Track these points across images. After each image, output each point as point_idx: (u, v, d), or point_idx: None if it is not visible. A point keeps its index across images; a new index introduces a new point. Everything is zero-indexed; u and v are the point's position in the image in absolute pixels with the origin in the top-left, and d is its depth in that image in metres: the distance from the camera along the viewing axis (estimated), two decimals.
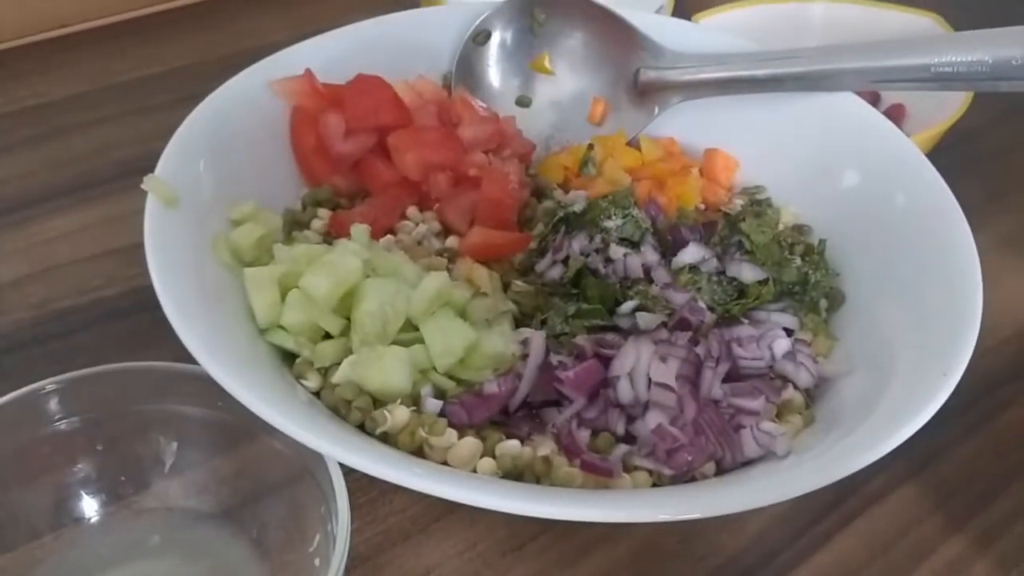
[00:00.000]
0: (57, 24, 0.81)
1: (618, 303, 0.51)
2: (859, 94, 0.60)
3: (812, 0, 0.76)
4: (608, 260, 0.53)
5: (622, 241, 0.53)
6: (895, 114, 0.72)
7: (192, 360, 0.42)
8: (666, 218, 0.57)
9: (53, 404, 0.43)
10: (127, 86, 0.76)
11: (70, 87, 0.76)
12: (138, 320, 0.57)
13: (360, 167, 0.58)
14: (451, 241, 0.56)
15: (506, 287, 0.53)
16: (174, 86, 0.76)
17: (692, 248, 0.53)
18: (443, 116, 0.59)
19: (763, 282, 0.52)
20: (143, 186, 0.48)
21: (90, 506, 0.45)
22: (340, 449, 0.39)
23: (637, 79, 0.62)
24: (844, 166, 0.58)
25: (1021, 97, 0.55)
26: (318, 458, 0.41)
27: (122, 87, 0.76)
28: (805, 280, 0.53)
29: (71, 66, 0.78)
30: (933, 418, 0.42)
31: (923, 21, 0.74)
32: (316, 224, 0.55)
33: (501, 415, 0.47)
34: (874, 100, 0.72)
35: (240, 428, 0.44)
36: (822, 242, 0.56)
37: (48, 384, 0.42)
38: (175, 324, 0.42)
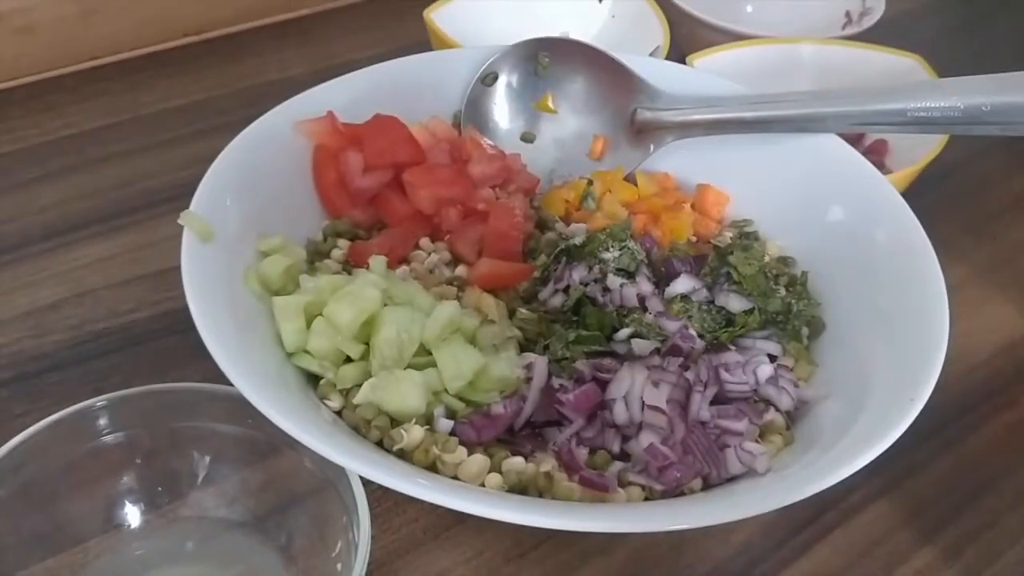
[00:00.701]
0: (89, 57, 0.84)
1: (615, 330, 0.53)
2: (843, 133, 0.62)
3: (800, 41, 0.78)
4: (606, 290, 0.55)
5: (619, 272, 0.55)
6: (878, 149, 0.74)
7: (223, 381, 0.45)
8: (660, 250, 0.59)
9: (102, 420, 0.46)
10: (154, 118, 0.79)
11: (100, 118, 0.79)
12: (168, 342, 0.60)
13: (377, 201, 0.60)
14: (460, 270, 0.58)
15: (512, 314, 0.55)
16: (198, 118, 0.79)
17: (684, 279, 0.55)
18: (454, 154, 0.62)
19: (749, 311, 0.55)
20: (180, 221, 0.51)
21: (130, 514, 0.48)
22: (362, 464, 0.41)
23: (634, 119, 0.65)
24: (827, 203, 0.60)
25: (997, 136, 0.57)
26: (340, 472, 0.44)
27: (149, 119, 0.79)
28: (788, 310, 0.55)
29: (101, 98, 0.81)
30: (908, 437, 0.45)
31: (906, 62, 0.76)
32: (336, 254, 0.58)
33: (507, 434, 0.49)
34: (859, 136, 0.76)
35: (268, 444, 0.47)
36: (804, 274, 0.58)
37: (98, 401, 0.46)
38: (211, 349, 0.45)
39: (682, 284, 0.55)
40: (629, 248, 0.57)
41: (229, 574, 0.48)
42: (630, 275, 0.56)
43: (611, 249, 0.57)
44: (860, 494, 0.55)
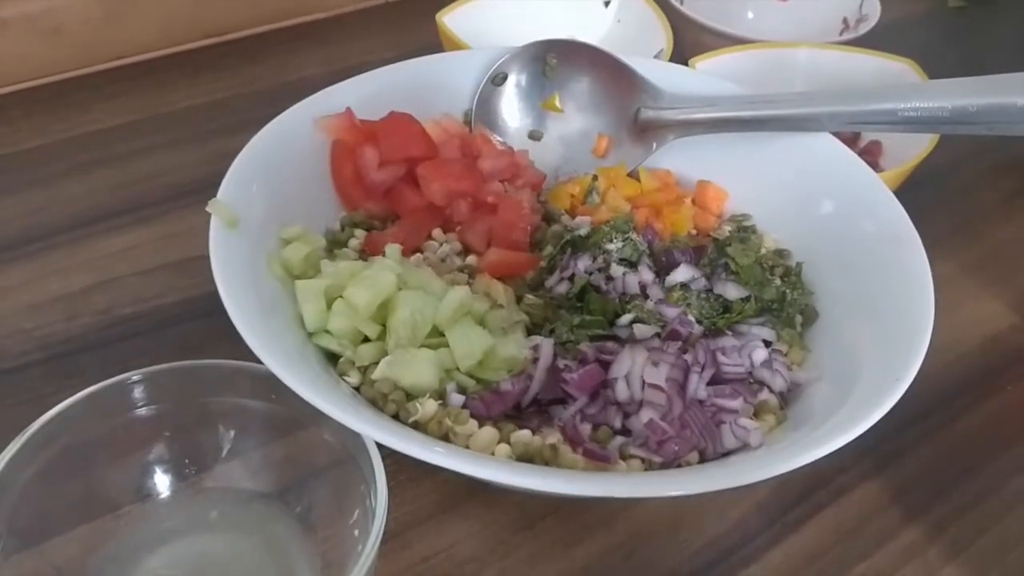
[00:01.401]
0: (114, 56, 0.87)
1: (617, 316, 0.55)
2: (839, 133, 0.64)
3: (799, 46, 0.81)
4: (609, 278, 0.57)
5: (621, 262, 0.58)
6: (873, 150, 0.76)
7: (247, 359, 0.47)
8: (661, 242, 0.61)
9: (135, 394, 0.48)
10: (176, 115, 0.82)
11: (125, 115, 0.81)
12: (191, 326, 0.63)
13: (391, 194, 0.63)
14: (470, 259, 0.61)
15: (519, 300, 0.57)
16: (218, 116, 0.82)
17: (683, 268, 0.58)
18: (465, 150, 0.65)
19: (746, 299, 0.57)
20: (208, 208, 0.53)
21: (159, 484, 0.50)
22: (381, 432, 0.44)
23: (637, 118, 0.67)
24: (820, 198, 0.62)
25: (987, 138, 0.59)
26: (359, 444, 0.46)
27: (171, 116, 0.82)
28: (783, 298, 0.57)
29: (126, 96, 0.83)
30: (897, 422, 0.47)
31: (898, 66, 0.79)
32: (353, 243, 0.60)
33: (514, 410, 0.52)
34: (854, 137, 0.78)
35: (291, 418, 0.49)
36: (799, 265, 0.60)
37: (132, 376, 0.48)
38: (239, 327, 0.47)
39: (682, 273, 0.58)
40: (632, 240, 0.59)
41: (251, 542, 0.50)
42: (632, 265, 0.58)
43: (614, 240, 0.59)
44: (850, 475, 0.57)
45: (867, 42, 0.83)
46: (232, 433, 0.51)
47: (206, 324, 0.62)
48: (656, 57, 0.77)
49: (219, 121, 0.81)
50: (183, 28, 0.89)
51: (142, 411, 0.49)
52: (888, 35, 0.87)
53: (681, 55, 0.80)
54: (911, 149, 0.71)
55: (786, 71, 0.80)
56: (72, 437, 0.47)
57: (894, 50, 0.81)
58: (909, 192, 0.63)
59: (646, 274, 0.57)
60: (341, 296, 0.53)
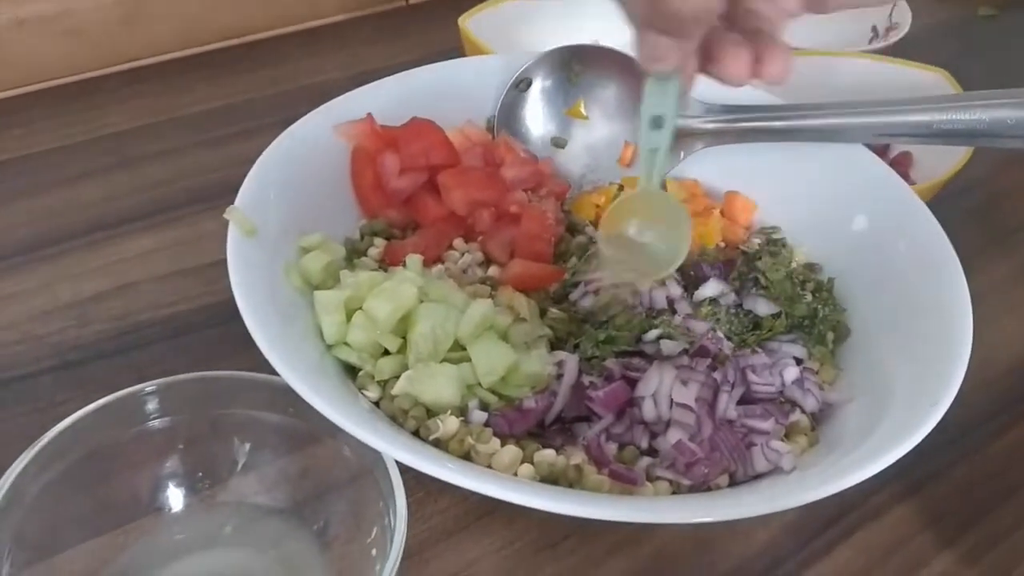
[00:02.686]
0: (131, 58, 0.86)
1: (644, 331, 0.54)
2: (868, 144, 0.63)
3: (825, 55, 0.79)
4: (635, 292, 0.56)
5: None
6: (903, 161, 0.75)
7: (263, 371, 0.46)
8: (689, 255, 0.60)
9: (149, 405, 0.47)
10: (192, 119, 0.81)
11: (141, 118, 0.80)
12: (207, 335, 0.61)
13: (412, 202, 0.62)
14: (492, 271, 0.60)
15: (543, 314, 0.56)
16: (234, 120, 0.81)
17: (712, 283, 0.57)
18: (488, 157, 0.64)
19: (776, 315, 0.56)
20: (225, 215, 0.53)
21: (171, 498, 0.48)
22: (402, 451, 0.43)
23: None
24: (853, 212, 0.61)
25: (1020, 150, 0.58)
26: (377, 459, 0.45)
27: (187, 120, 0.81)
28: (814, 315, 0.56)
29: (142, 98, 0.83)
30: (929, 444, 0.45)
31: (931, 77, 0.77)
32: (372, 252, 0.59)
33: (537, 428, 0.51)
34: (884, 148, 0.77)
35: (307, 432, 0.48)
36: (831, 280, 0.59)
37: (146, 387, 0.46)
38: (257, 338, 0.46)
39: (711, 288, 0.57)
40: None
41: (266, 559, 0.49)
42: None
43: None
44: (881, 497, 0.56)
45: (898, 51, 0.82)
46: (247, 446, 0.50)
47: (222, 332, 0.61)
48: None
49: (236, 125, 0.80)
50: (200, 30, 0.89)
51: (156, 423, 0.48)
52: (916, 44, 0.85)
53: None
54: (942, 161, 0.70)
55: (813, 80, 0.78)
56: (84, 449, 0.46)
57: (923, 59, 0.79)
58: (939, 204, 0.62)
59: (673, 288, 0.56)
60: (361, 308, 0.52)
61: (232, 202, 0.54)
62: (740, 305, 0.57)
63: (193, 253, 0.67)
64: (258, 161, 0.57)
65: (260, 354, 0.46)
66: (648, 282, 0.55)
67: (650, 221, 0.53)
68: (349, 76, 0.85)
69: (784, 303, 0.56)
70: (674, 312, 0.56)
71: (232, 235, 0.52)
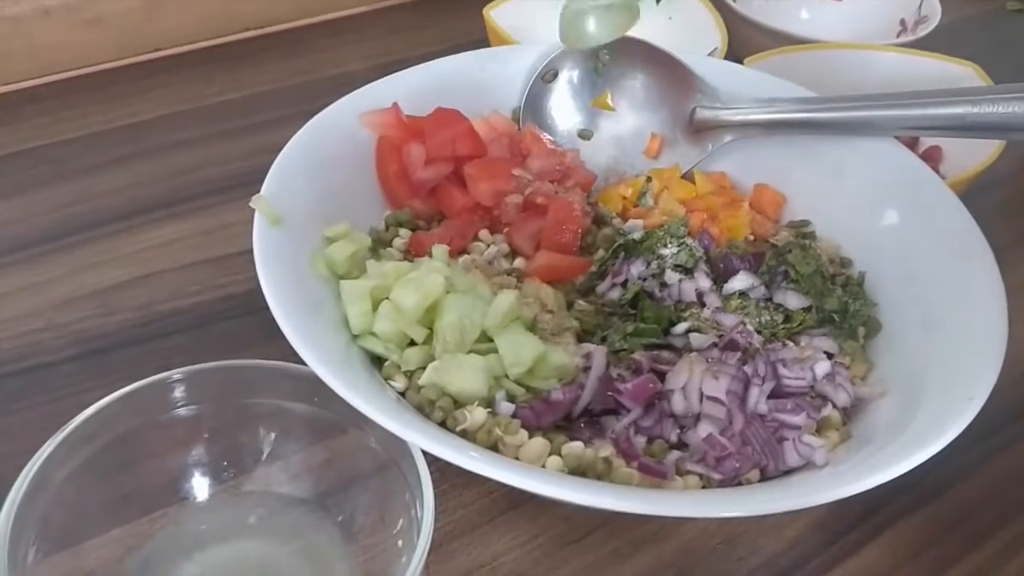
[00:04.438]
0: (153, 48, 0.86)
1: (672, 324, 0.54)
2: (898, 137, 0.62)
3: (855, 48, 0.79)
4: (664, 285, 0.56)
5: (677, 268, 0.56)
6: (932, 156, 0.74)
7: (289, 360, 0.46)
8: (718, 248, 0.60)
9: (175, 393, 0.47)
10: (214, 109, 0.81)
11: (163, 108, 0.80)
12: (231, 325, 0.62)
13: (437, 192, 0.61)
14: (518, 262, 0.59)
15: (569, 306, 0.56)
16: (256, 110, 0.81)
17: (742, 276, 0.56)
18: (514, 148, 0.63)
19: (807, 309, 0.55)
20: (251, 204, 0.52)
21: (196, 487, 0.49)
22: (431, 441, 0.42)
23: (692, 118, 0.65)
24: (884, 206, 0.60)
25: None
26: (404, 451, 0.44)
27: (209, 109, 0.81)
28: (845, 309, 0.56)
29: (164, 88, 0.83)
30: (959, 440, 0.45)
31: (961, 70, 0.76)
32: (397, 243, 0.59)
33: (564, 420, 0.50)
34: (913, 142, 0.76)
35: (333, 422, 0.48)
36: (862, 274, 0.59)
37: (173, 375, 0.46)
38: (284, 327, 0.46)
39: (740, 281, 0.56)
40: (687, 245, 0.57)
41: (290, 549, 0.49)
42: (688, 271, 0.57)
43: (669, 245, 0.57)
44: (911, 495, 0.55)
45: (927, 44, 0.81)
46: (272, 436, 0.50)
47: (246, 323, 0.61)
48: (710, 56, 0.75)
49: (259, 115, 0.80)
50: (223, 20, 0.89)
51: (181, 411, 0.48)
52: (944, 37, 0.84)
53: (733, 54, 0.78)
54: (973, 154, 0.69)
55: (842, 73, 0.78)
56: (110, 436, 0.46)
57: (951, 53, 0.79)
58: (969, 198, 0.61)
59: (703, 281, 0.56)
60: (387, 298, 0.51)
61: (255, 192, 0.54)
62: (770, 299, 0.56)
63: (217, 242, 0.67)
64: (283, 150, 0.57)
65: (284, 344, 0.46)
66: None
67: None
68: (373, 67, 0.84)
69: (814, 297, 0.56)
70: (703, 305, 0.55)
71: (258, 224, 0.52)
